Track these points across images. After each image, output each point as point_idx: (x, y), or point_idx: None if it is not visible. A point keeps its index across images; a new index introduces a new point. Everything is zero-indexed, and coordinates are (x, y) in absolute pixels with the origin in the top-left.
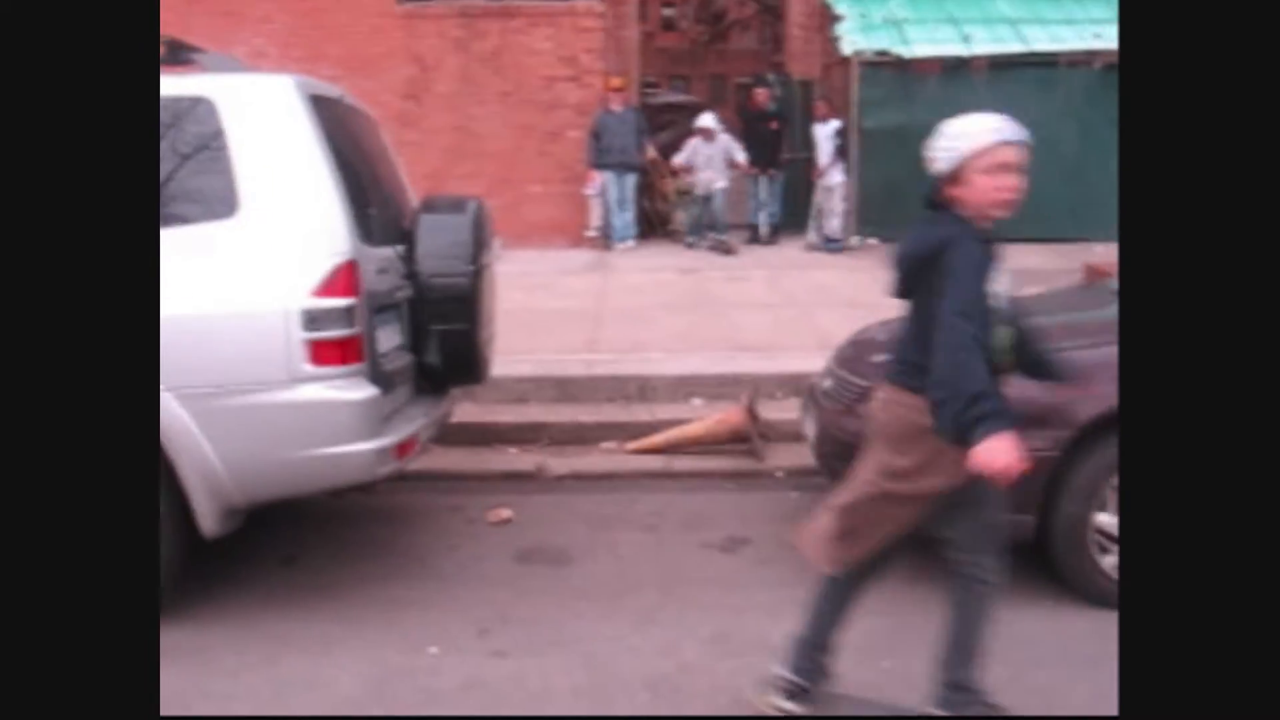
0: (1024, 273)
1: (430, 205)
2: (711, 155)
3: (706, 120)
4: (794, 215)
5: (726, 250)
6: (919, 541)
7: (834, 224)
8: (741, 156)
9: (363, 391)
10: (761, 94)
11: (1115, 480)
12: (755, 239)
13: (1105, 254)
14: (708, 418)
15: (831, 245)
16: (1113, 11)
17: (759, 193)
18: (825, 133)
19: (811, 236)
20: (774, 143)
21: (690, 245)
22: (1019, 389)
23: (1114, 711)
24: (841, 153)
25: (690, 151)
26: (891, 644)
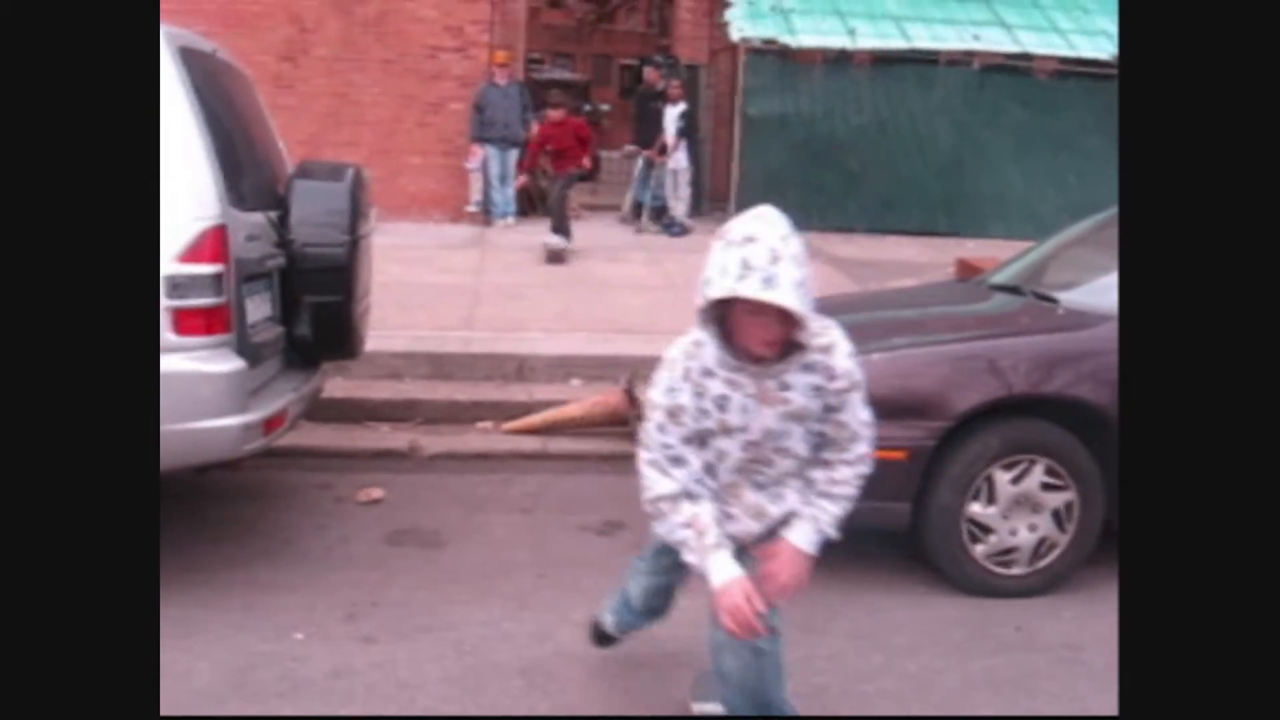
0: (898, 265)
1: (306, 171)
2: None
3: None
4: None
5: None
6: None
7: (679, 208)
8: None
9: (229, 364)
10: (651, 73)
11: (989, 471)
12: (637, 219)
13: (976, 249)
14: (585, 399)
15: (673, 230)
16: (992, 15)
17: (645, 175)
18: (672, 115)
19: (626, 214)
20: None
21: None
22: (900, 379)
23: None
24: (684, 135)
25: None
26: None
